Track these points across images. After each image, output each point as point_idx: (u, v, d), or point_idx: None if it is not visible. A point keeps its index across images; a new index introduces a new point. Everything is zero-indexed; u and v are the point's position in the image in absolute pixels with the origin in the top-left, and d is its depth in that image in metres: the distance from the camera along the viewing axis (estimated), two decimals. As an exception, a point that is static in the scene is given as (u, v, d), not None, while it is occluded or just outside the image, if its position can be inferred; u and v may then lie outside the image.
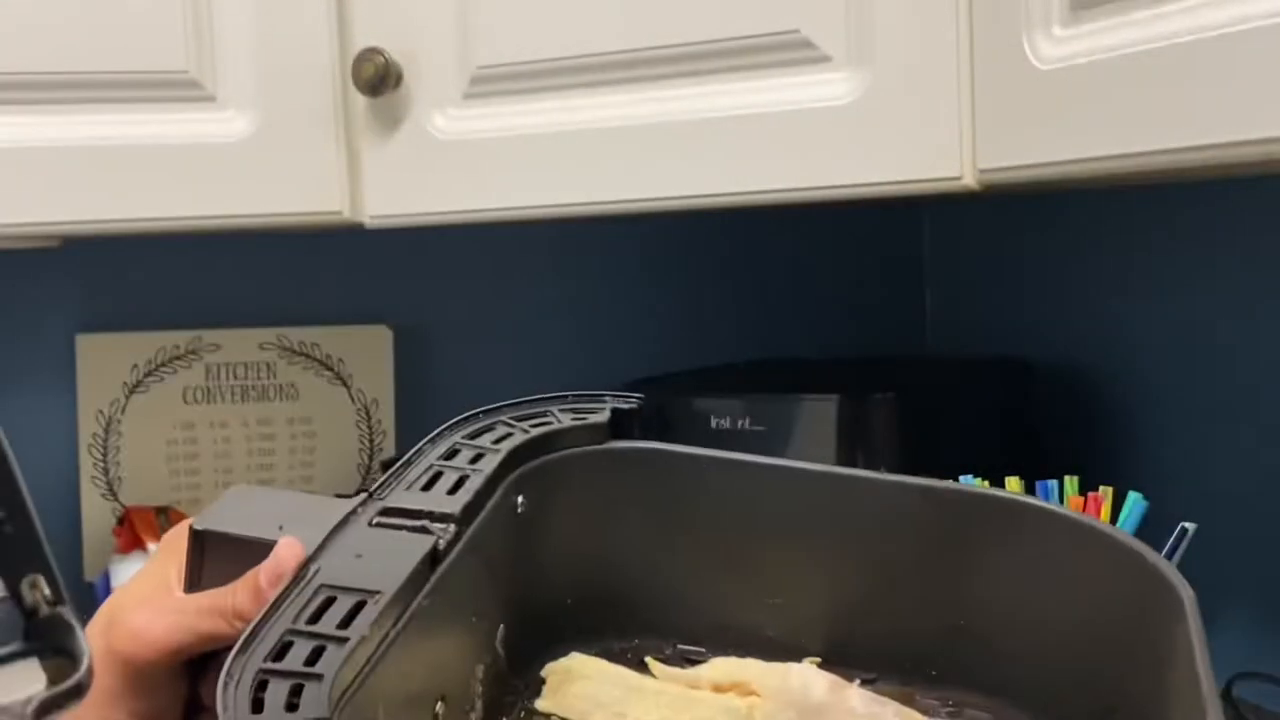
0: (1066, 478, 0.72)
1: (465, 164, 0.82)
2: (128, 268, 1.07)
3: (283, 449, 1.09)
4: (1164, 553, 0.70)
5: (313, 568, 0.45)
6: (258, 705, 0.38)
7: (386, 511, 0.48)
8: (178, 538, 0.53)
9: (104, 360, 1.05)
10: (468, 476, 0.50)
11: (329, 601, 0.43)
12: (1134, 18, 0.58)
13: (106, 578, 0.99)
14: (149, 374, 1.06)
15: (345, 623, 0.42)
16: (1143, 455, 0.95)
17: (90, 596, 1.01)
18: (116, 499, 1.06)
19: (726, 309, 1.18)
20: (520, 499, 0.52)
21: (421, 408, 1.12)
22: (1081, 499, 0.71)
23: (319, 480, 1.09)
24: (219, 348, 1.07)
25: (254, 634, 0.41)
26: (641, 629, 0.56)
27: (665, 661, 0.55)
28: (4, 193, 0.80)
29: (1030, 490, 0.73)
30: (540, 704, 0.53)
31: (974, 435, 0.93)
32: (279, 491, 0.55)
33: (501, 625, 0.52)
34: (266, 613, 0.42)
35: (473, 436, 0.53)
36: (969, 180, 0.69)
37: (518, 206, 0.81)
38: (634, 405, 0.56)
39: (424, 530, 0.47)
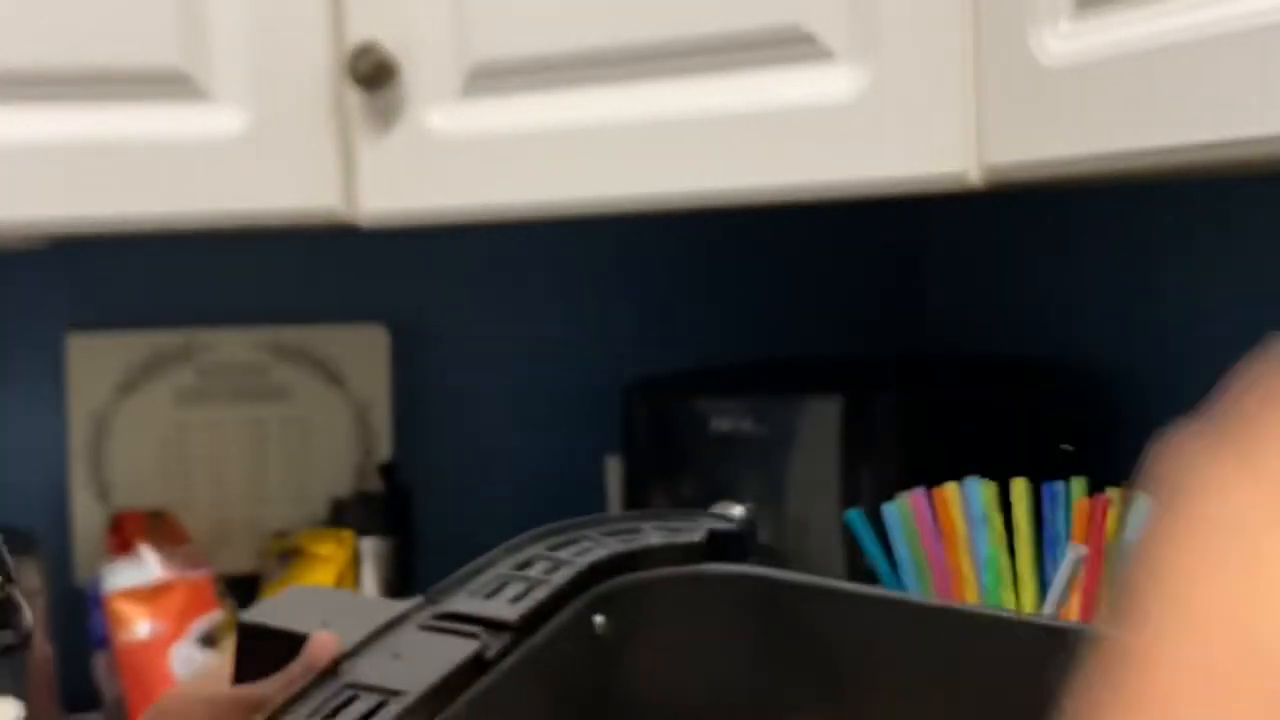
0: (1073, 480, 0.72)
1: (463, 161, 0.81)
2: (119, 267, 1.06)
3: (276, 451, 1.08)
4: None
5: (345, 665, 0.43)
6: None
7: (441, 616, 0.46)
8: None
9: (95, 361, 1.05)
10: (536, 586, 0.47)
11: (349, 700, 0.41)
12: (1140, 14, 0.57)
13: (98, 582, 0.98)
14: (141, 375, 1.05)
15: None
16: (1144, 456, 0.94)
17: (81, 600, 1.00)
18: (107, 502, 1.05)
19: (726, 309, 1.17)
20: (600, 619, 0.48)
21: (418, 409, 1.12)
22: (1089, 501, 0.70)
23: (313, 483, 1.08)
24: (212, 348, 1.06)
25: None
26: None
27: None
28: (-7, 190, 0.79)
29: (1036, 493, 0.72)
30: None
31: (977, 437, 0.93)
32: (339, 592, 0.55)
33: None
34: (280, 707, 0.41)
35: (554, 549, 0.50)
36: (973, 177, 0.68)
37: (515, 204, 0.80)
38: (733, 526, 0.52)
39: (472, 636, 0.44)
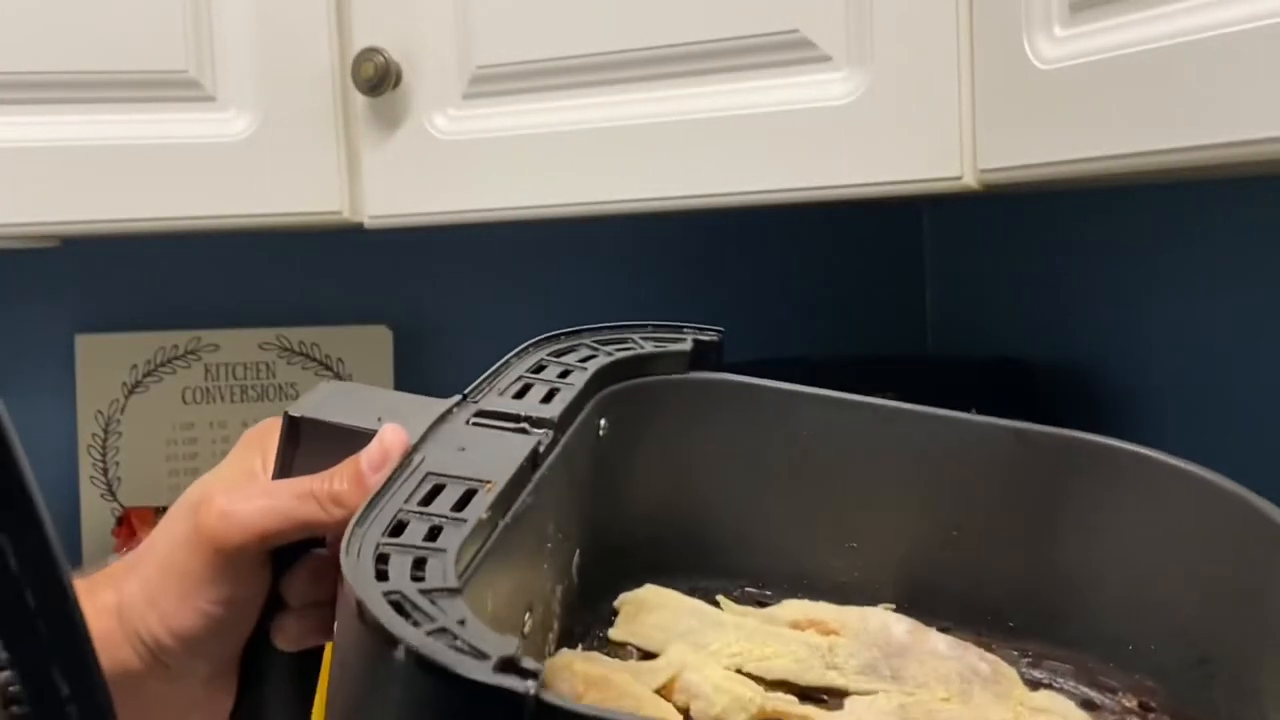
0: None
1: (465, 164, 0.81)
2: (127, 268, 1.07)
3: (282, 449, 1.09)
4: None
5: (417, 456, 0.44)
6: (381, 575, 0.37)
7: (483, 414, 0.48)
8: (261, 433, 0.51)
9: (103, 360, 1.05)
10: (559, 389, 0.49)
11: (438, 488, 0.42)
12: (1134, 18, 0.58)
13: (106, 578, 0.99)
14: (148, 374, 1.06)
15: (458, 507, 0.41)
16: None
17: (90, 597, 1.01)
18: (115, 499, 1.06)
19: (727, 309, 1.18)
20: (603, 422, 0.51)
21: (421, 408, 1.12)
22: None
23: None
24: (218, 348, 1.07)
25: (367, 511, 0.40)
26: (713, 569, 0.54)
27: (735, 602, 0.54)
28: (4, 193, 0.80)
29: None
30: (614, 633, 0.51)
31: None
32: (370, 388, 0.54)
33: (578, 550, 0.50)
34: (378, 492, 0.41)
35: (557, 355, 0.53)
36: (969, 180, 0.69)
37: (517, 206, 0.81)
38: (715, 338, 0.55)
39: (524, 431, 0.47)
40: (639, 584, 0.53)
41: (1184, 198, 0.89)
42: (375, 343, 1.11)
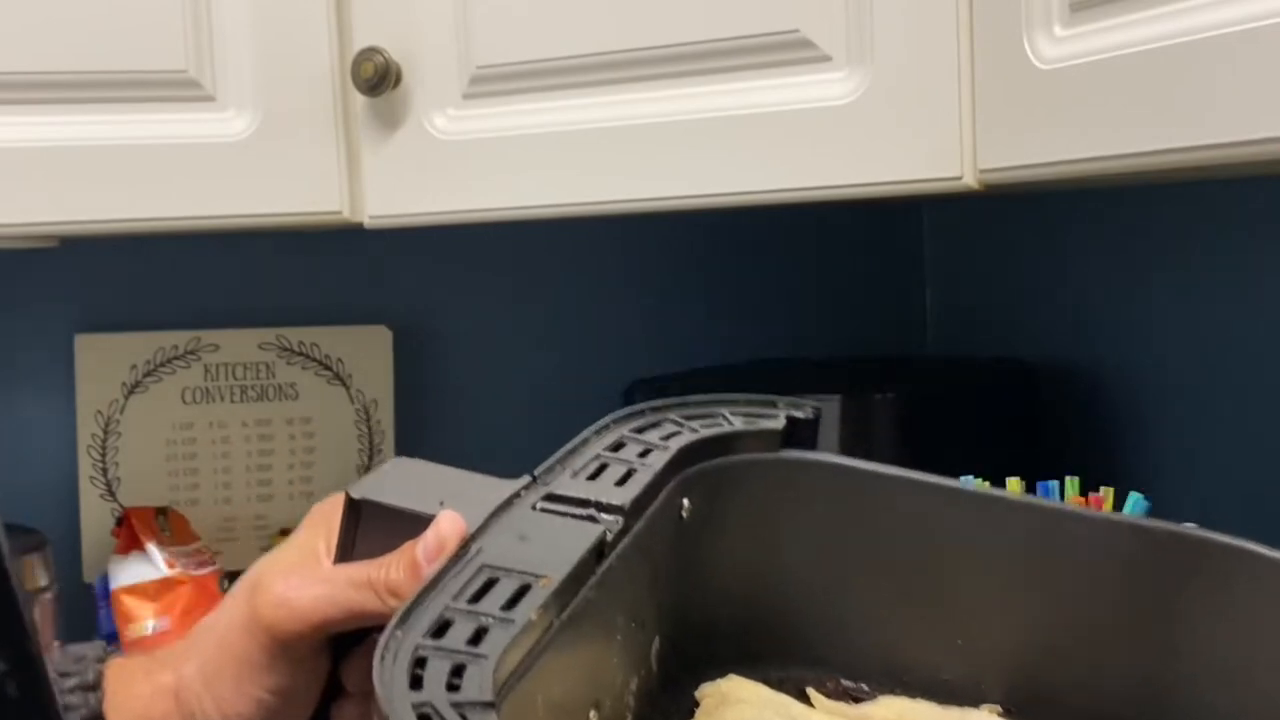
0: (1067, 478, 0.72)
1: (465, 164, 0.82)
2: (127, 268, 1.07)
3: (282, 449, 1.09)
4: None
5: (474, 546, 0.42)
6: (416, 682, 0.35)
7: (551, 497, 0.46)
8: (327, 511, 0.50)
9: (103, 360, 1.05)
10: (635, 470, 0.47)
11: (491, 582, 0.40)
12: (1134, 18, 0.58)
13: (105, 578, 0.99)
14: (148, 374, 1.06)
15: (509, 605, 0.39)
16: (1143, 455, 0.95)
17: (89, 597, 1.01)
18: (115, 499, 1.06)
19: (726, 309, 1.18)
20: (686, 503, 0.49)
21: (421, 408, 1.12)
22: (1083, 499, 0.71)
23: (318, 481, 1.09)
24: (218, 348, 1.07)
25: (412, 608, 0.38)
26: (803, 658, 0.51)
27: (825, 696, 0.51)
28: (4, 193, 0.80)
29: (1031, 490, 0.73)
30: None
31: (975, 436, 0.93)
32: (439, 466, 0.52)
33: (657, 638, 0.48)
34: (425, 587, 0.39)
35: (639, 431, 0.50)
36: (969, 180, 0.69)
37: (517, 206, 0.81)
38: (810, 414, 0.52)
39: (591, 519, 0.44)
40: (724, 672, 0.50)
41: (1184, 198, 0.89)
42: (375, 343, 1.11)
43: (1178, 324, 0.92)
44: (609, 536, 0.44)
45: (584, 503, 0.45)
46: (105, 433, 1.05)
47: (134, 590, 0.97)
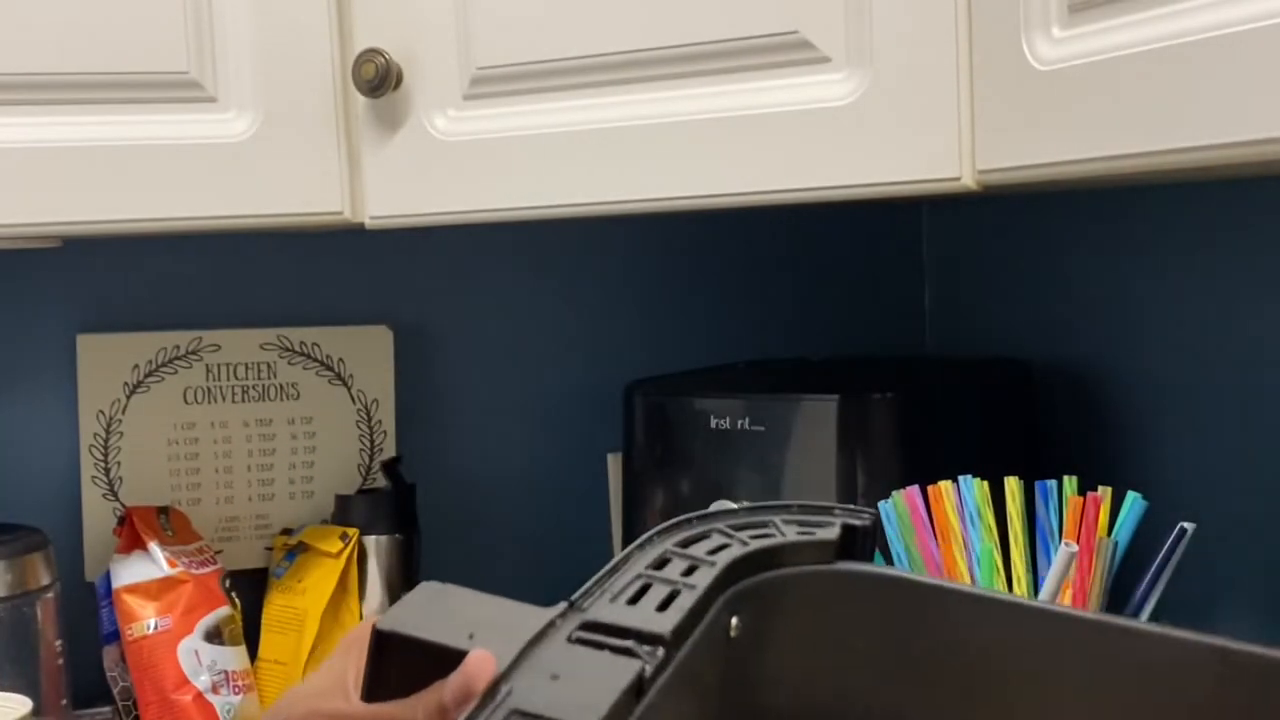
0: (1066, 478, 0.73)
1: (465, 165, 0.82)
2: (128, 268, 1.07)
3: (283, 449, 1.09)
4: (1163, 552, 0.70)
5: (504, 688, 0.40)
6: None
7: (588, 626, 0.43)
8: (359, 637, 0.49)
9: (104, 360, 1.06)
10: (680, 591, 0.45)
11: None
12: (1134, 18, 0.58)
13: (107, 578, 0.99)
14: (149, 374, 1.07)
15: None
16: (1143, 455, 0.95)
17: (91, 596, 1.01)
18: (117, 499, 1.06)
19: (726, 309, 1.18)
20: (735, 621, 0.47)
21: (422, 408, 1.13)
22: (1081, 499, 0.71)
23: (319, 480, 1.09)
24: (219, 348, 1.08)
25: None
26: None
27: None
28: (4, 193, 0.80)
29: (1030, 490, 0.73)
30: None
31: (974, 436, 0.93)
32: (469, 592, 0.50)
33: None
34: None
35: (685, 545, 0.48)
36: (968, 181, 0.69)
37: (518, 207, 0.81)
38: (867, 522, 0.50)
39: (629, 653, 0.42)
40: None
41: (1184, 198, 0.89)
42: (375, 343, 1.11)
43: (1178, 324, 0.92)
44: (648, 672, 0.41)
45: (623, 632, 0.43)
46: (107, 432, 1.06)
47: (136, 589, 0.97)
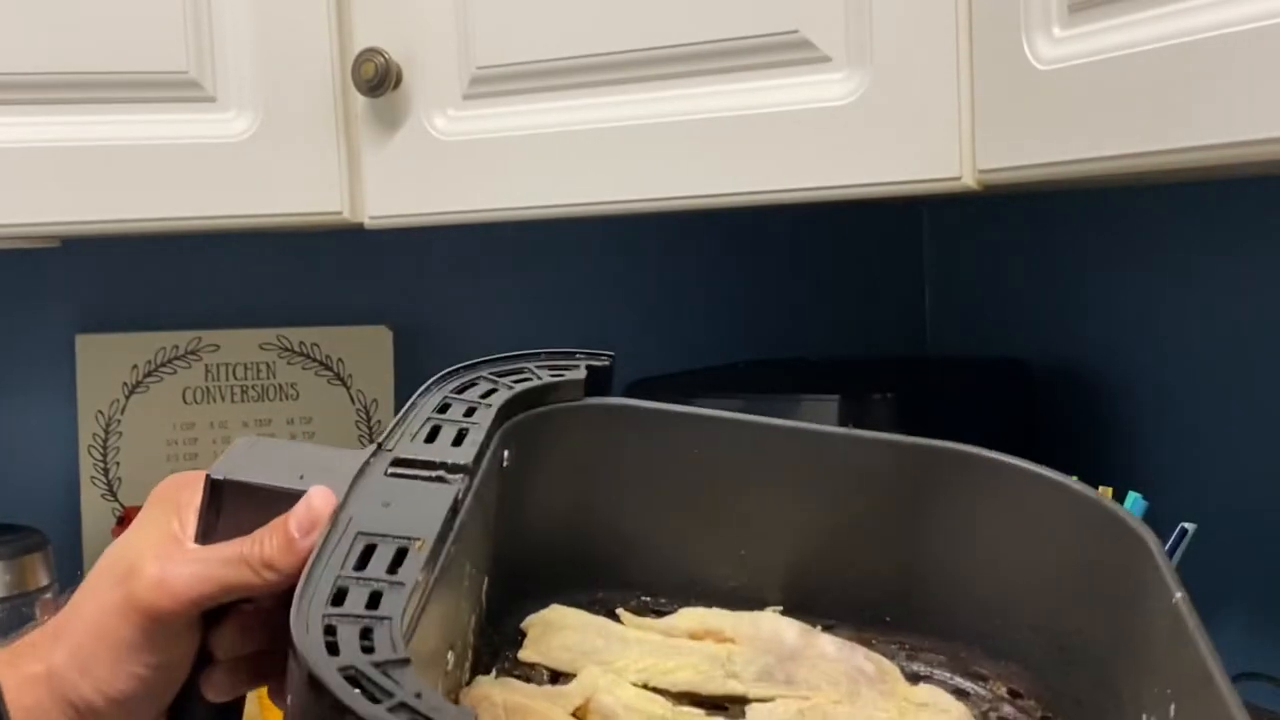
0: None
1: (465, 164, 0.82)
2: (128, 268, 1.07)
3: (283, 449, 1.09)
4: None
5: (344, 516, 0.45)
6: (331, 648, 0.38)
7: (400, 463, 0.49)
8: (171, 490, 0.52)
9: (104, 360, 1.06)
10: (467, 430, 0.51)
11: (370, 549, 0.43)
12: (1134, 18, 0.58)
13: (106, 578, 0.99)
14: (149, 374, 1.07)
15: (393, 568, 0.42)
16: (1143, 455, 0.95)
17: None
18: (116, 499, 1.06)
19: (726, 309, 1.18)
20: (506, 453, 0.53)
21: (421, 408, 1.12)
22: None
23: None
24: (219, 348, 1.08)
25: (308, 581, 0.41)
26: (609, 583, 0.57)
27: (634, 613, 0.56)
28: (4, 193, 0.80)
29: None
30: (523, 654, 0.53)
31: (974, 436, 0.93)
32: (287, 443, 0.55)
33: (486, 579, 0.53)
34: (315, 559, 0.42)
35: (460, 391, 0.54)
36: (968, 181, 0.69)
37: (518, 207, 0.81)
38: (607, 363, 0.57)
39: (441, 480, 0.48)
40: (543, 603, 0.55)
41: (1184, 198, 0.90)
42: (375, 343, 1.11)
43: (1177, 324, 0.92)
44: (461, 495, 0.47)
45: (431, 464, 0.48)
46: (106, 432, 1.06)
47: (135, 590, 0.97)
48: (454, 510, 0.47)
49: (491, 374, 0.56)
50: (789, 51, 0.73)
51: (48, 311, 1.06)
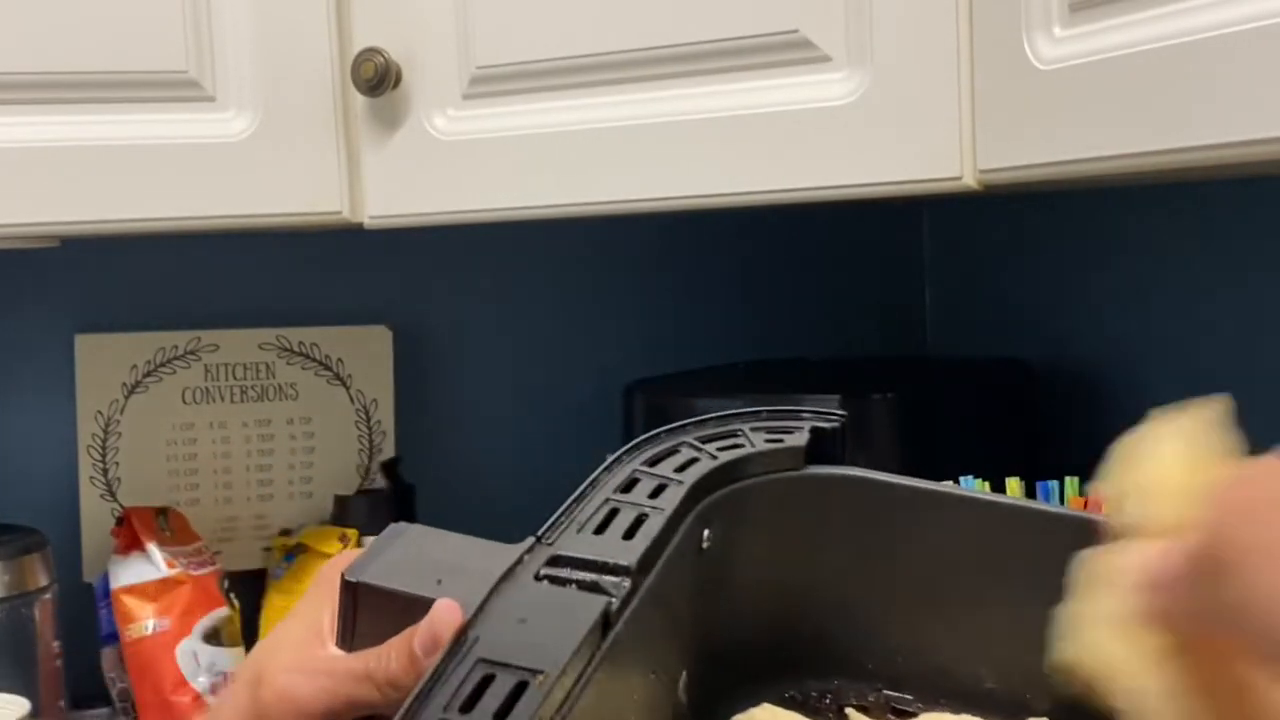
0: (1067, 478, 0.73)
1: (465, 164, 0.82)
2: (127, 268, 1.07)
3: (282, 449, 1.09)
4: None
5: (471, 635, 0.40)
6: None
7: (555, 561, 0.43)
8: (329, 577, 0.50)
9: (103, 360, 1.05)
10: (647, 515, 0.44)
11: (487, 680, 0.38)
12: (1134, 18, 0.58)
13: (105, 578, 0.99)
14: (148, 374, 1.06)
15: (505, 709, 0.37)
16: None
17: (89, 597, 1.01)
18: (115, 499, 1.06)
19: (726, 309, 1.18)
20: (706, 533, 0.47)
21: (421, 408, 1.12)
22: (1082, 500, 0.71)
23: (318, 480, 1.09)
24: (218, 348, 1.07)
25: (406, 718, 0.37)
26: (843, 669, 0.50)
27: (866, 711, 0.50)
28: (3, 193, 0.80)
29: (1031, 491, 0.73)
30: None
31: (974, 436, 0.93)
32: (439, 533, 0.50)
33: (684, 672, 0.47)
34: (419, 692, 0.38)
35: (653, 462, 0.47)
36: (969, 180, 0.69)
37: (517, 206, 0.81)
38: (836, 424, 0.50)
39: (595, 588, 0.42)
40: (758, 693, 0.49)
41: (1184, 198, 0.89)
42: (375, 343, 1.11)
43: (1178, 324, 0.92)
44: (614, 606, 0.41)
45: (589, 565, 0.42)
46: (105, 433, 1.06)
47: (134, 590, 0.97)
48: (602, 626, 0.40)
49: (697, 439, 0.49)
50: (789, 51, 0.73)
51: (47, 311, 1.05)
